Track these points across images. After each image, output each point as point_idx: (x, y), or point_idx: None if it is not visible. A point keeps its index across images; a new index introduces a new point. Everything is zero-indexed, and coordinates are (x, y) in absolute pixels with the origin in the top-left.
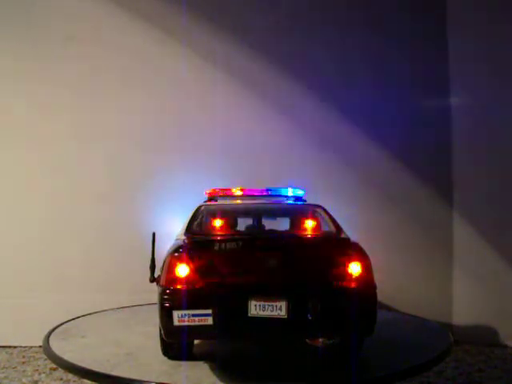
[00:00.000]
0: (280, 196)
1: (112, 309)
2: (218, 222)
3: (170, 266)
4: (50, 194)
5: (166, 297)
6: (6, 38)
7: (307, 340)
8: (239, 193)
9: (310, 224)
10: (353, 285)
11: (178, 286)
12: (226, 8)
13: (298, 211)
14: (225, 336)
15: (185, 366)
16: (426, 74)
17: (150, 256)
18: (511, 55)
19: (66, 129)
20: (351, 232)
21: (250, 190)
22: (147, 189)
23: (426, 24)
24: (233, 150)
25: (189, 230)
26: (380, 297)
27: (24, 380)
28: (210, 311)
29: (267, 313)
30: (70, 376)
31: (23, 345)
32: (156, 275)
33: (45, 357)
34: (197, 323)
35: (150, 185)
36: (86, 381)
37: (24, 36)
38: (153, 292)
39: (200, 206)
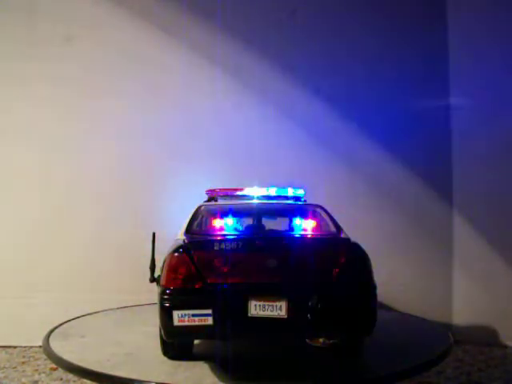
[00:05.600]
0: (280, 196)
1: (112, 309)
2: (218, 222)
3: (169, 266)
4: (49, 193)
5: (165, 297)
6: (6, 38)
7: (307, 340)
8: (240, 192)
9: (309, 224)
10: (353, 285)
11: (178, 286)
12: (227, 7)
13: (297, 211)
14: (225, 336)
15: (185, 365)
16: (426, 73)
17: (150, 256)
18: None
19: (65, 129)
20: (351, 232)
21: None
22: (147, 189)
23: (426, 23)
24: (233, 150)
25: (189, 230)
26: (380, 297)
27: (24, 380)
28: (210, 311)
29: (267, 313)
30: (70, 376)
31: (23, 345)
32: (156, 275)
33: (45, 357)
34: (197, 323)
35: (150, 185)
36: (85, 381)
37: (25, 36)
38: (153, 292)
39: (200, 206)
